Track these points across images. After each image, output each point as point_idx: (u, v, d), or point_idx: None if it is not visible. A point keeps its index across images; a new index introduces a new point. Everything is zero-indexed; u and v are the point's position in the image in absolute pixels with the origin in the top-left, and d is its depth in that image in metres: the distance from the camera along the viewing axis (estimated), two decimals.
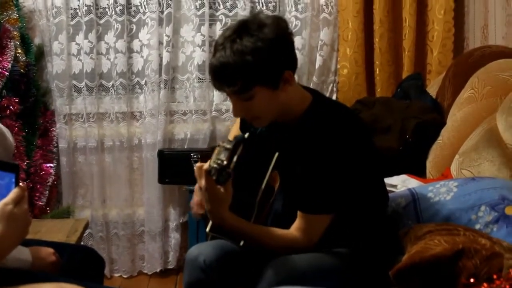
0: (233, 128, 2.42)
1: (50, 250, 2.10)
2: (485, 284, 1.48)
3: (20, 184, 1.47)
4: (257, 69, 1.86)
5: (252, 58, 1.85)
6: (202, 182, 1.88)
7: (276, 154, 2.05)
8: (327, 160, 1.92)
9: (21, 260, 1.97)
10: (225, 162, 1.79)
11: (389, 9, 3.65)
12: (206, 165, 1.88)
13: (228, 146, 1.83)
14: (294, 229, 1.98)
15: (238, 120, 2.35)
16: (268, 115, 1.99)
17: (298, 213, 1.98)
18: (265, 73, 1.89)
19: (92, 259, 2.28)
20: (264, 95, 1.92)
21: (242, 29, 1.89)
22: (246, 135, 1.94)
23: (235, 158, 1.81)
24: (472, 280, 1.53)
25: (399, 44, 3.72)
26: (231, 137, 2.06)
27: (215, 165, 1.82)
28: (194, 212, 2.21)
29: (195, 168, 1.94)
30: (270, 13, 3.72)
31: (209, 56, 3.70)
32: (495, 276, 1.51)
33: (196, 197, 2.17)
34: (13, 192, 1.45)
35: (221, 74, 1.90)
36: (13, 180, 1.49)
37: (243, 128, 2.26)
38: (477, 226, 1.98)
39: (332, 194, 1.95)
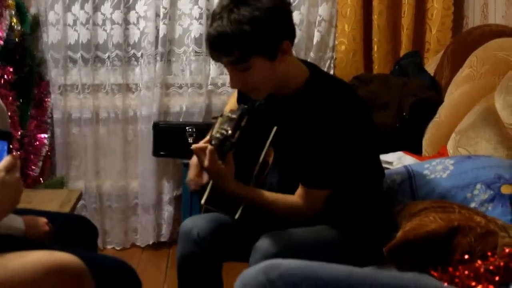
0: (229, 101, 2.40)
1: (43, 219, 2.09)
2: (479, 261, 1.48)
3: (13, 152, 1.46)
4: (255, 39, 1.85)
5: (250, 28, 1.83)
6: (206, 161, 1.87)
7: (275, 128, 2.04)
8: (326, 133, 1.91)
9: (14, 228, 1.97)
10: (229, 132, 1.78)
11: None
12: (207, 137, 1.88)
13: (233, 116, 1.81)
14: (297, 196, 1.99)
15: (234, 93, 2.33)
16: (266, 87, 1.97)
17: (300, 183, 1.98)
18: (263, 43, 1.87)
19: (85, 228, 2.28)
20: (262, 66, 1.90)
21: None
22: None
23: (239, 129, 1.80)
24: (466, 256, 1.53)
25: (398, 22, 3.69)
26: (226, 111, 2.05)
27: (218, 135, 1.81)
28: (192, 189, 2.20)
29: (194, 147, 1.93)
30: None
31: (207, 29, 3.67)
32: (489, 253, 1.51)
33: (192, 173, 2.15)
34: (5, 160, 1.44)
35: (218, 44, 1.88)
36: (5, 147, 1.48)
37: (240, 102, 2.24)
38: (473, 204, 1.98)
39: (333, 169, 1.95)
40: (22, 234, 1.99)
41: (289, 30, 1.96)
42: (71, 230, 2.19)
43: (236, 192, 1.97)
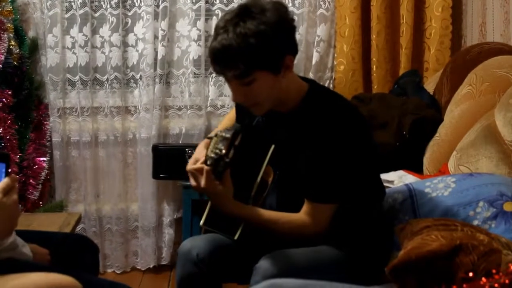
0: (224, 120, 2.39)
1: (45, 250, 2.08)
2: (483, 279, 1.45)
3: (11, 174, 1.45)
4: (260, 53, 1.85)
5: (255, 41, 1.83)
6: (202, 182, 1.86)
7: (272, 147, 2.02)
8: (330, 147, 1.91)
9: (25, 254, 1.96)
10: (223, 151, 1.77)
11: (386, 6, 3.63)
12: (202, 158, 1.87)
13: (227, 135, 1.80)
14: (303, 213, 1.97)
15: (231, 112, 2.32)
16: (267, 101, 1.97)
17: (306, 200, 1.97)
18: (268, 57, 1.87)
19: (86, 247, 2.26)
20: (265, 80, 1.90)
21: (245, 12, 1.87)
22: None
23: (233, 148, 1.79)
24: (470, 274, 1.51)
25: (397, 41, 3.70)
26: (219, 130, 2.03)
27: (212, 155, 1.80)
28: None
29: (189, 168, 1.92)
30: None
31: (205, 51, 3.69)
32: (494, 271, 1.49)
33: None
34: (3, 182, 1.43)
35: (222, 57, 1.87)
36: (3, 170, 1.47)
37: (238, 120, 2.23)
38: (475, 222, 1.96)
39: (340, 183, 1.94)
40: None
41: (293, 45, 1.97)
42: (72, 249, 2.17)
43: (235, 212, 1.95)
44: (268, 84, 1.91)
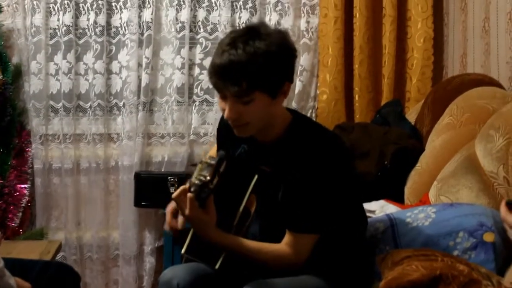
0: (211, 151, 2.40)
1: (28, 284, 2.06)
2: None
3: None
4: (265, 74, 1.86)
5: (263, 61, 1.85)
6: (186, 210, 1.86)
7: (256, 176, 2.02)
8: (314, 177, 1.92)
9: (10, 285, 1.94)
10: (208, 178, 1.78)
11: (369, 36, 3.67)
12: (186, 185, 1.87)
13: (212, 162, 1.81)
14: (284, 244, 1.97)
15: (214, 146, 2.33)
16: (258, 123, 1.97)
17: (287, 230, 1.96)
18: (271, 80, 1.89)
19: (67, 274, 2.24)
20: (262, 102, 1.91)
21: (253, 32, 1.90)
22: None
23: (217, 175, 1.79)
24: None
25: (379, 71, 3.73)
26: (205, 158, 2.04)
27: (196, 181, 1.80)
28: (173, 235, 2.16)
29: (174, 195, 1.91)
30: None
31: (189, 78, 3.72)
32: None
33: (169, 219, 2.11)
34: None
35: (228, 73, 1.87)
36: None
37: (219, 149, 2.23)
38: (455, 252, 1.97)
39: (323, 213, 1.94)
40: None
41: (292, 73, 2.00)
42: (54, 276, 2.15)
43: (218, 240, 1.95)
44: (263, 106, 1.92)
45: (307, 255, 1.96)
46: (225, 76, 1.89)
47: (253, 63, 1.85)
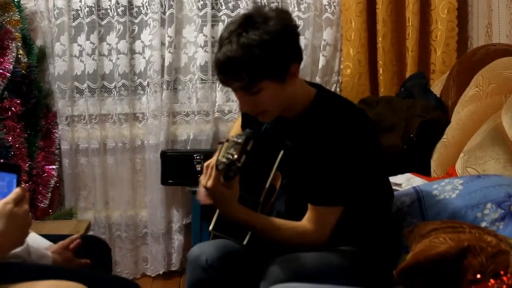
0: (234, 127, 2.40)
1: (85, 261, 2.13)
2: (492, 280, 1.45)
3: (22, 184, 1.47)
4: (264, 63, 1.84)
5: (259, 51, 1.83)
6: (209, 182, 1.86)
7: (281, 152, 2.03)
8: (339, 152, 1.91)
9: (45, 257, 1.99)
10: (235, 156, 1.77)
11: (392, 9, 3.63)
12: (213, 161, 1.87)
13: (239, 140, 1.80)
14: (306, 220, 1.96)
15: (239, 119, 2.33)
16: (275, 109, 1.97)
17: (309, 205, 1.96)
18: (272, 67, 1.87)
19: (99, 246, 2.30)
20: (272, 89, 1.90)
21: (247, 22, 1.87)
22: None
23: (245, 153, 1.79)
24: (478, 276, 1.51)
25: (403, 44, 3.70)
26: (231, 136, 2.04)
27: (224, 160, 1.79)
28: (202, 201, 2.16)
29: (206, 164, 1.91)
30: None
31: (212, 56, 3.70)
32: (502, 272, 1.49)
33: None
34: (14, 192, 1.45)
35: (228, 69, 1.88)
36: (15, 180, 1.49)
37: (244, 127, 2.24)
38: (483, 224, 1.95)
39: (344, 186, 1.93)
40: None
41: (297, 53, 1.96)
42: (86, 248, 2.19)
43: (240, 216, 1.95)
44: (274, 92, 1.91)
45: (329, 232, 1.95)
46: (225, 72, 1.89)
47: (249, 56, 1.83)
